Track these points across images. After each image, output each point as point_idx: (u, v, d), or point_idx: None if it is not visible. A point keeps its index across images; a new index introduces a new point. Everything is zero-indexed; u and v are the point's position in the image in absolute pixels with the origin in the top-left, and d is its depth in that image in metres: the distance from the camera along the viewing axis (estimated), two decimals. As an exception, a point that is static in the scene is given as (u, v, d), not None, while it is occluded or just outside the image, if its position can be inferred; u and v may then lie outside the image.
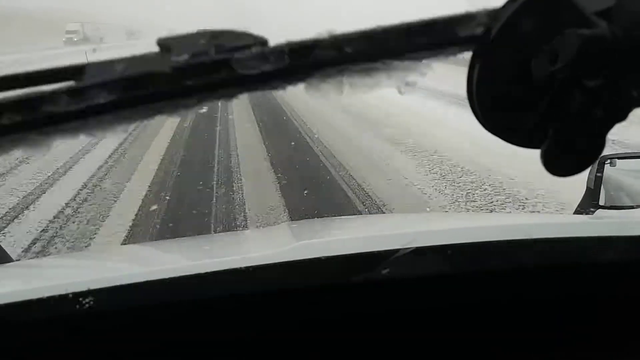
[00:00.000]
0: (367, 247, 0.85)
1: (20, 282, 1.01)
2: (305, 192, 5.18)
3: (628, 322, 0.90)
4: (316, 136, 7.91)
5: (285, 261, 0.82)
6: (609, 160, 1.52)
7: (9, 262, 1.39)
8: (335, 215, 3.90)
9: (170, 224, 4.50)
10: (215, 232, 4.42)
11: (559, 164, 0.45)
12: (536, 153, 0.44)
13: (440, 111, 9.52)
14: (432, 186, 5.30)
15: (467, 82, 0.45)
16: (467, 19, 0.43)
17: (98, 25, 52.95)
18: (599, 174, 1.49)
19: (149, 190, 5.60)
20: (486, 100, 0.45)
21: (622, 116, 0.43)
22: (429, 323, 0.87)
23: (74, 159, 7.20)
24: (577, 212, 1.54)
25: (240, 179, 5.87)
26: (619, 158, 1.54)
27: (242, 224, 4.53)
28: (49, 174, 6.55)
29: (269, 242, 1.29)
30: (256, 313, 0.83)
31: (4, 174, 6.54)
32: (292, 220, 4.55)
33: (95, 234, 4.50)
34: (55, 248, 4.30)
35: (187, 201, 5.19)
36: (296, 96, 11.93)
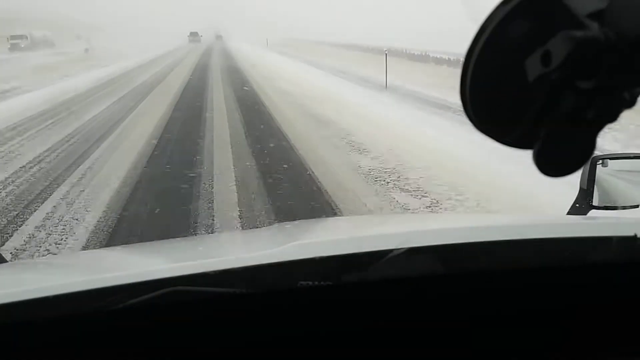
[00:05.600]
0: (361, 247, 0.85)
1: (13, 283, 1.00)
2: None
3: (621, 322, 0.91)
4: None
5: (279, 261, 0.82)
6: (601, 161, 1.53)
7: (2, 262, 1.38)
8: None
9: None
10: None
11: (551, 164, 0.45)
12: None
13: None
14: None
15: (460, 83, 0.45)
16: None
17: (45, 31, 49.61)
18: (591, 175, 1.50)
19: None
20: (479, 102, 0.45)
21: (613, 117, 0.44)
22: (422, 323, 0.87)
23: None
24: (570, 212, 1.54)
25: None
26: (610, 158, 1.55)
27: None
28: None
29: (263, 242, 1.29)
30: (250, 314, 0.83)
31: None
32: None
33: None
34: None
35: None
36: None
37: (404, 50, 25.95)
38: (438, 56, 21.69)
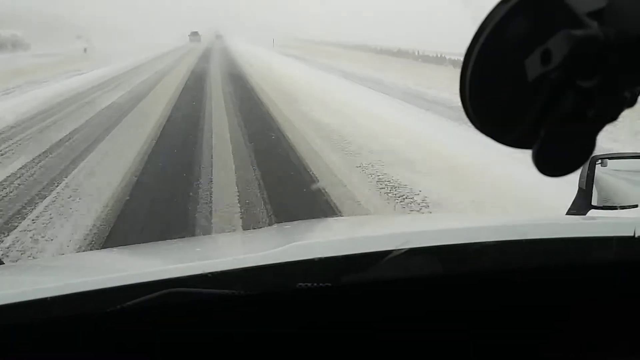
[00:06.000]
0: (360, 248, 0.85)
1: (11, 285, 1.00)
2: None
3: (621, 322, 0.91)
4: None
5: (278, 262, 0.82)
6: (600, 161, 1.53)
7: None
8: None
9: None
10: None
11: (551, 164, 0.45)
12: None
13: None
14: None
15: (460, 83, 0.45)
16: None
17: (13, 30, 41.17)
18: (590, 174, 1.49)
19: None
20: (479, 101, 0.45)
21: (613, 116, 0.44)
22: (422, 324, 0.87)
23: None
24: (569, 212, 1.54)
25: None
26: (610, 158, 1.55)
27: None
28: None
29: (262, 243, 1.29)
30: (249, 315, 0.83)
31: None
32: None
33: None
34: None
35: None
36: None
37: (416, 52, 22.51)
38: (455, 58, 18.38)
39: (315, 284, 0.80)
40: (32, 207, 4.71)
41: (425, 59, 20.46)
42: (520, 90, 0.44)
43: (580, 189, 1.52)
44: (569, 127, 0.43)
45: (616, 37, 0.40)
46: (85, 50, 35.69)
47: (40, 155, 6.71)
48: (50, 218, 4.45)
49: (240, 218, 4.45)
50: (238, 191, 5.10)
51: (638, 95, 0.43)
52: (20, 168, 6.08)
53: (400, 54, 23.64)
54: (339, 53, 27.99)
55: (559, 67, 0.41)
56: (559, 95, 0.42)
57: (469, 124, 0.45)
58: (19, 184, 5.45)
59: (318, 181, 5.39)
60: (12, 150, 7.06)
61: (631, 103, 0.43)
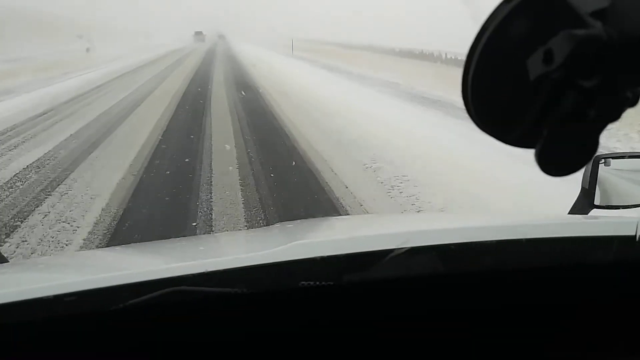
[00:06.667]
0: (362, 247, 0.85)
1: (13, 283, 1.00)
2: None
3: (622, 322, 0.91)
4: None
5: (280, 261, 0.82)
6: (603, 160, 1.52)
7: (2, 262, 1.38)
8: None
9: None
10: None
11: (554, 164, 0.45)
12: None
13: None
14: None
15: (462, 82, 0.45)
16: None
17: None
18: (593, 174, 1.49)
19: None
20: (481, 101, 0.45)
21: (615, 116, 0.44)
22: (423, 322, 0.87)
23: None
24: (572, 211, 1.54)
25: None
26: (613, 158, 1.55)
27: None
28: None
29: (264, 242, 1.29)
30: (251, 314, 0.83)
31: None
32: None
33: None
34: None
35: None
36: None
37: (443, 55, 19.04)
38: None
39: (317, 283, 0.81)
40: None
41: (457, 62, 16.68)
42: (521, 90, 0.44)
43: (583, 189, 1.52)
44: (570, 126, 0.43)
45: (618, 37, 0.40)
46: (87, 50, 35.39)
47: None
48: None
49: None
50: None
51: (639, 95, 0.43)
52: None
53: (423, 56, 20.15)
54: (356, 56, 24.06)
55: (561, 66, 0.41)
56: (560, 94, 0.42)
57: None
58: None
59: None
60: None
61: (632, 103, 0.43)
